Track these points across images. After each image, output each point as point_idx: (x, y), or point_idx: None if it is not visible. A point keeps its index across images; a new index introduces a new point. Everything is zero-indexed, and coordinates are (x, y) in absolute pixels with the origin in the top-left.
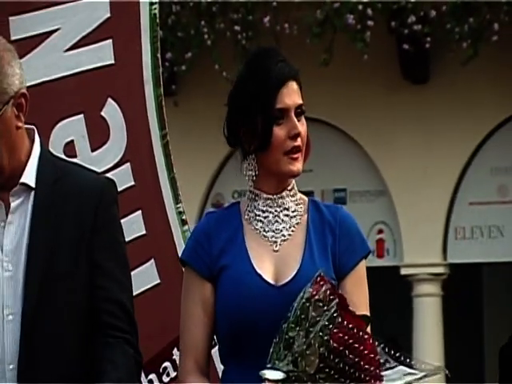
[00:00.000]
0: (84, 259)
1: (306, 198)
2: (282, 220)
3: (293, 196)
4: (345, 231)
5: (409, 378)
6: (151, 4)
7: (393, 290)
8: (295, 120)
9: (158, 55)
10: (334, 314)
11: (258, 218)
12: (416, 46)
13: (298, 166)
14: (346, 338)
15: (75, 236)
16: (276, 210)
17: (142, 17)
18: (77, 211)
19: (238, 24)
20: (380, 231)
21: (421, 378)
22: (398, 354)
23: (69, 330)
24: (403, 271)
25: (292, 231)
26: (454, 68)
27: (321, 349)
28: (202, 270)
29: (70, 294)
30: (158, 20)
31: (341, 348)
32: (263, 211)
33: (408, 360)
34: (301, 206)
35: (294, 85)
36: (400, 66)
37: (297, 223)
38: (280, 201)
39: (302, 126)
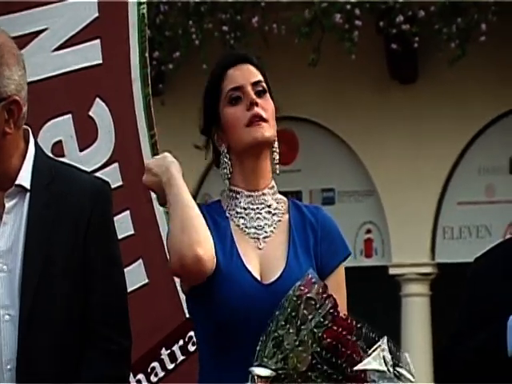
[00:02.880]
0: (79, 261)
1: (285, 199)
2: (264, 217)
3: (273, 194)
4: (326, 232)
5: None
6: (139, 4)
7: (381, 290)
8: (251, 92)
9: (146, 55)
10: (331, 311)
11: (239, 215)
12: (404, 45)
13: (261, 131)
14: (340, 330)
15: (70, 237)
16: (258, 207)
17: (130, 16)
18: (72, 213)
19: (226, 24)
20: (368, 231)
21: None
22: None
23: (65, 330)
24: (391, 271)
25: (274, 228)
26: (441, 68)
27: (314, 345)
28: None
29: (65, 294)
30: (146, 20)
31: (334, 343)
32: (245, 208)
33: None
34: (281, 204)
35: (247, 66)
36: (388, 65)
37: (278, 221)
38: (262, 198)
39: (264, 101)
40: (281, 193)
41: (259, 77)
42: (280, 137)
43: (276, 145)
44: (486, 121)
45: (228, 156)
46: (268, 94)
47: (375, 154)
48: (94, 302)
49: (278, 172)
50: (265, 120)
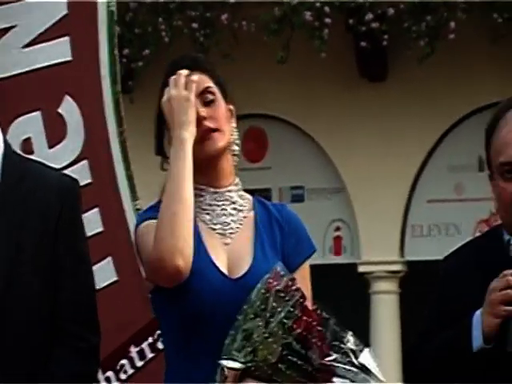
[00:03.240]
0: (48, 258)
1: (250, 197)
2: (230, 213)
3: (238, 191)
4: (292, 229)
5: None
6: (109, 1)
7: (350, 288)
8: (198, 109)
9: (116, 52)
10: (300, 299)
11: (205, 211)
12: (373, 43)
13: (213, 145)
14: (310, 320)
15: (39, 234)
16: (224, 204)
17: (100, 14)
18: (41, 210)
19: (196, 21)
20: (337, 228)
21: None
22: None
23: (34, 328)
24: (360, 269)
25: (240, 224)
26: (411, 66)
27: (284, 336)
28: None
29: (35, 292)
30: (115, 17)
31: (304, 333)
32: (210, 205)
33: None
34: (246, 201)
35: (194, 73)
36: (357, 63)
37: (244, 217)
38: (227, 194)
39: (211, 110)
40: (250, 190)
41: (206, 83)
42: (249, 134)
43: (236, 139)
44: (456, 119)
45: None
46: (219, 97)
47: (344, 151)
48: (62, 299)
49: (236, 163)
50: (215, 130)
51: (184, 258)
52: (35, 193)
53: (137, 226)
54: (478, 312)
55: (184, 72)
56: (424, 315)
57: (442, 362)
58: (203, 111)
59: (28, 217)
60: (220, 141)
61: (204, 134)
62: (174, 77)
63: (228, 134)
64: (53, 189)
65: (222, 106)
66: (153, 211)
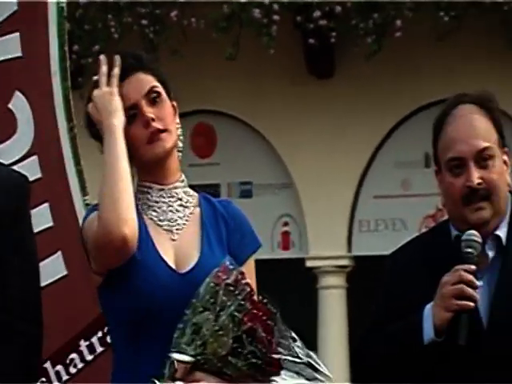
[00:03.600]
0: None
1: (195, 193)
2: (176, 210)
3: (184, 187)
4: (237, 225)
5: (298, 380)
6: None
7: (298, 282)
8: (144, 109)
9: (66, 48)
10: (250, 292)
11: (151, 208)
12: (321, 40)
13: (162, 145)
14: (260, 314)
15: None
16: (170, 200)
17: (50, 10)
18: None
19: (146, 18)
20: (285, 224)
21: (310, 380)
22: (304, 349)
23: None
24: (308, 263)
25: (186, 220)
26: (358, 63)
27: (234, 329)
28: None
29: None
30: (65, 13)
31: (254, 326)
32: (156, 202)
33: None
34: (192, 197)
35: (137, 76)
36: (305, 60)
37: (190, 213)
38: (173, 191)
39: (158, 110)
40: (199, 185)
41: (151, 83)
42: (198, 130)
43: (180, 135)
44: (402, 116)
45: (131, 164)
46: (164, 95)
47: (292, 147)
48: (9, 296)
49: (180, 158)
50: (164, 131)
51: (129, 227)
52: None
53: (84, 219)
54: (429, 305)
55: (104, 69)
56: (371, 310)
57: (391, 355)
58: (150, 112)
59: None
60: (168, 141)
61: (152, 136)
62: (95, 77)
63: (175, 132)
64: (1, 185)
65: (167, 105)
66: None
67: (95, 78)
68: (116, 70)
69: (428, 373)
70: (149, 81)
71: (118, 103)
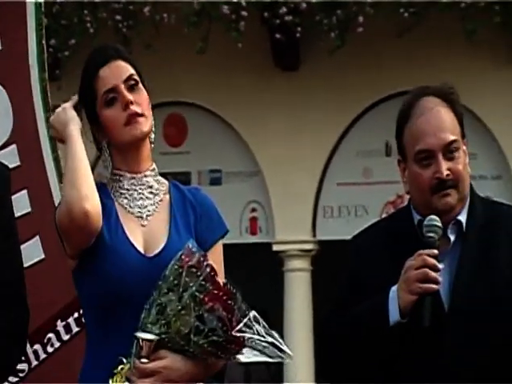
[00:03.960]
0: None
1: (166, 181)
2: (147, 197)
3: (155, 176)
4: (205, 211)
5: (260, 358)
6: None
7: (265, 266)
8: (124, 92)
9: (43, 42)
10: (211, 274)
11: (123, 195)
12: (287, 35)
13: (140, 128)
14: (221, 294)
15: None
16: (140, 188)
17: (28, 6)
18: None
19: (119, 13)
20: (253, 210)
21: (272, 358)
22: (266, 328)
23: None
24: (275, 247)
25: (156, 207)
26: (322, 56)
27: (196, 308)
28: None
29: None
30: (42, 8)
31: (215, 306)
32: (128, 189)
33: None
34: (162, 185)
35: (117, 63)
36: (272, 54)
37: (160, 200)
38: (144, 179)
39: (137, 95)
40: (171, 173)
41: (130, 71)
42: (170, 120)
43: (153, 129)
44: (364, 107)
45: (108, 150)
46: (140, 84)
47: (260, 137)
48: None
49: (152, 146)
50: (141, 115)
51: (90, 202)
52: None
53: (57, 207)
54: (394, 288)
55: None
56: (336, 292)
57: (357, 336)
58: (129, 95)
59: None
60: (145, 126)
61: (131, 118)
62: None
63: (150, 119)
64: None
65: (144, 93)
66: None
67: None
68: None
69: (392, 352)
70: (128, 69)
71: (71, 112)
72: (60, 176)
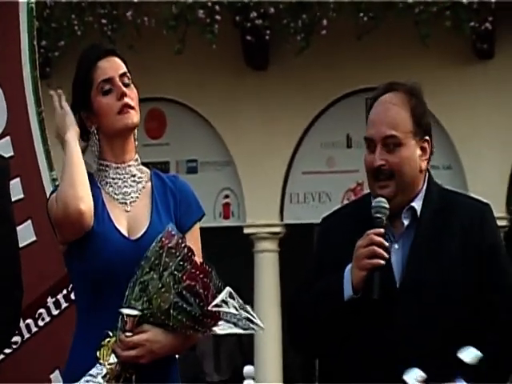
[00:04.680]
0: None
1: (147, 170)
2: (130, 185)
3: (137, 165)
4: (184, 196)
5: (235, 330)
6: None
7: (237, 247)
8: (120, 84)
9: (35, 42)
10: (189, 254)
11: (108, 184)
12: (257, 37)
13: (131, 117)
14: (197, 273)
15: None
16: (124, 177)
17: (21, 10)
18: None
19: (105, 17)
20: (226, 196)
21: (245, 330)
22: (240, 303)
23: None
24: (246, 230)
25: (139, 194)
26: (289, 57)
27: (175, 286)
28: None
29: None
30: (34, 12)
31: (192, 284)
32: (113, 178)
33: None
34: (144, 174)
35: (114, 58)
36: (243, 54)
37: (142, 188)
38: (127, 169)
39: (130, 91)
40: (152, 163)
41: (125, 68)
42: (150, 115)
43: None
44: (327, 102)
45: (97, 136)
46: (132, 84)
47: (232, 129)
48: None
49: (136, 144)
50: (133, 108)
51: (84, 203)
52: None
53: (48, 198)
54: (349, 267)
55: (55, 98)
56: (303, 271)
57: (317, 311)
58: (124, 89)
59: None
60: (135, 118)
61: (123, 107)
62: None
63: (138, 115)
64: None
65: (135, 91)
66: None
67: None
68: (62, 93)
69: (349, 328)
70: (123, 66)
71: (70, 119)
72: (50, 165)
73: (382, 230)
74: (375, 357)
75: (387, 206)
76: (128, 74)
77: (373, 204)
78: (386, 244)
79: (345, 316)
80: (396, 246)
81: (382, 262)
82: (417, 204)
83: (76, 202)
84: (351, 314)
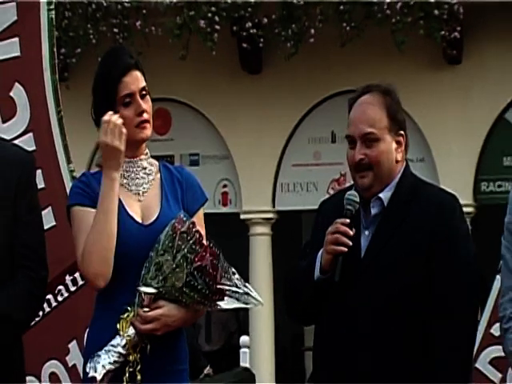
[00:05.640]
0: (9, 213)
1: (156, 162)
2: (142, 177)
3: (147, 159)
4: (189, 185)
5: (237, 304)
6: (49, 10)
7: (234, 231)
8: (140, 101)
9: (54, 49)
10: (199, 238)
11: (122, 176)
12: (252, 45)
13: (146, 133)
14: (208, 255)
15: (3, 196)
16: (136, 170)
17: (42, 20)
18: (4, 177)
19: (117, 27)
20: (225, 186)
21: (247, 304)
22: (241, 281)
23: (3, 263)
24: (242, 216)
25: (150, 185)
26: (280, 62)
27: (188, 266)
28: (91, 204)
29: (1, 238)
30: (54, 22)
31: (203, 264)
32: (126, 171)
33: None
34: (154, 166)
35: (136, 73)
36: (240, 60)
37: (152, 179)
38: (139, 163)
39: (146, 104)
40: (159, 156)
41: (143, 82)
42: (158, 113)
43: None
44: (314, 102)
45: None
46: (148, 95)
47: (230, 127)
48: (22, 242)
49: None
50: (148, 121)
51: (104, 279)
52: (1, 162)
53: (69, 204)
54: (321, 250)
55: (119, 121)
56: (292, 252)
57: (297, 287)
58: (143, 105)
59: None
60: (149, 131)
61: (141, 123)
62: (110, 123)
63: (151, 126)
64: (13, 160)
65: (149, 101)
66: (81, 196)
67: (109, 123)
68: (124, 131)
69: (319, 301)
70: (142, 80)
71: (121, 159)
72: (68, 159)
73: (347, 221)
74: (343, 323)
75: (357, 199)
76: (146, 87)
77: (346, 196)
78: (351, 233)
79: (315, 292)
80: (366, 233)
81: (345, 249)
82: (384, 194)
83: (98, 280)
84: (321, 290)
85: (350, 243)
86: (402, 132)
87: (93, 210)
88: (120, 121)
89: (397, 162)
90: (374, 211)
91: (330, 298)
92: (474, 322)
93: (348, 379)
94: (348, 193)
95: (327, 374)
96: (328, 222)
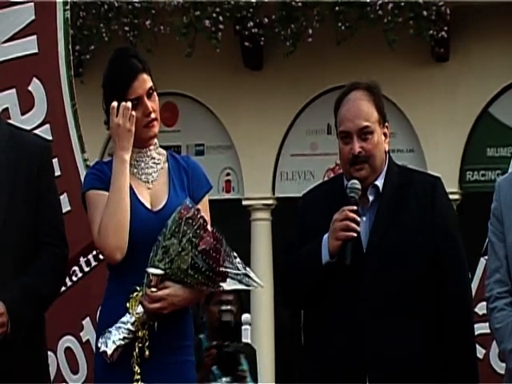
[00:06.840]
0: (33, 193)
1: (164, 151)
2: (151, 166)
3: (156, 149)
4: (195, 174)
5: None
6: (65, 10)
7: (237, 216)
8: (147, 103)
9: (70, 47)
10: (204, 224)
11: (133, 165)
12: (254, 43)
13: (154, 130)
14: (211, 240)
15: (27, 177)
16: (146, 159)
17: (58, 19)
18: (27, 161)
19: (127, 26)
20: (228, 174)
21: (247, 286)
22: (242, 264)
23: (28, 240)
24: (244, 202)
25: (159, 174)
26: (280, 60)
27: (192, 250)
28: (104, 187)
29: (25, 216)
30: (69, 21)
31: (207, 248)
32: (137, 161)
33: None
34: (162, 156)
35: (143, 76)
36: (242, 57)
37: (161, 168)
38: (148, 153)
39: (153, 103)
40: (166, 146)
41: (150, 83)
42: (165, 107)
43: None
44: (312, 97)
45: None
46: (155, 92)
47: (234, 119)
48: (44, 221)
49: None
50: (156, 119)
51: (121, 252)
52: (22, 148)
53: (84, 190)
54: (325, 236)
55: (129, 105)
56: (289, 237)
57: (299, 273)
58: (150, 105)
59: (18, 164)
60: (157, 128)
61: (149, 123)
62: (122, 107)
63: (159, 122)
64: (34, 147)
65: (156, 98)
66: (95, 181)
67: (122, 107)
68: (134, 114)
69: (325, 287)
70: (148, 81)
71: (131, 141)
72: (82, 148)
73: (355, 208)
74: (346, 308)
75: (359, 186)
76: (153, 87)
77: (348, 185)
78: (359, 219)
79: (322, 276)
80: (364, 219)
81: (355, 234)
82: (379, 182)
83: (115, 253)
84: (327, 275)
85: (359, 229)
86: (387, 124)
87: (106, 193)
88: (129, 104)
89: (385, 152)
90: (371, 198)
91: (338, 281)
92: (471, 295)
93: (352, 362)
94: (350, 182)
95: (326, 356)
96: (320, 211)
